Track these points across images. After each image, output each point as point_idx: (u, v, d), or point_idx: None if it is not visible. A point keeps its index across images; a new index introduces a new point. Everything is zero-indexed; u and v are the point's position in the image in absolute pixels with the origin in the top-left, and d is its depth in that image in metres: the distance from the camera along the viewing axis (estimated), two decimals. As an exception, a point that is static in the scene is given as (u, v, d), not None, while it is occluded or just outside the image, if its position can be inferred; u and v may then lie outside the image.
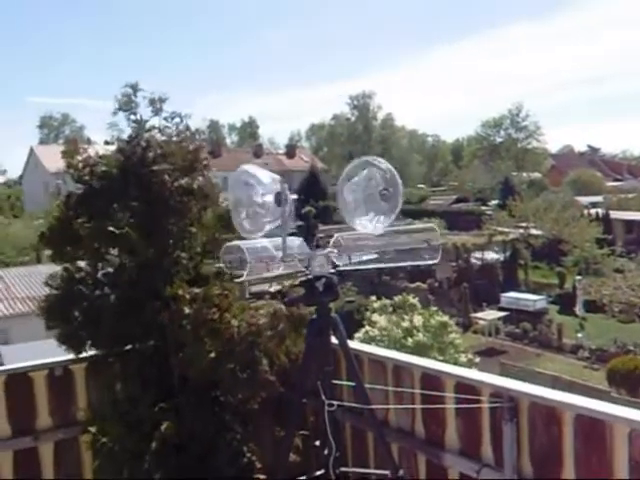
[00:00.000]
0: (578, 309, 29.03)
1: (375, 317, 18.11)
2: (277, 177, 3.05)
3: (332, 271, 3.24)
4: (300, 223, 3.18)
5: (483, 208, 50.74)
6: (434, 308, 19.10)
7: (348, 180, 3.01)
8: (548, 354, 25.31)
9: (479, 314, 28.84)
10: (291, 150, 68.42)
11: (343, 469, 3.52)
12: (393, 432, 4.25)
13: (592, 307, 28.89)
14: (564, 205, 39.43)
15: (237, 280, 3.66)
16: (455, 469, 3.94)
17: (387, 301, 19.04)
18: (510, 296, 30.63)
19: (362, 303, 23.60)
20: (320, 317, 3.30)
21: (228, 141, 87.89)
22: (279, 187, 3.01)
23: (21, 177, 62.03)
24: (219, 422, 4.33)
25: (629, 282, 29.37)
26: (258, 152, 64.24)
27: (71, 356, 4.52)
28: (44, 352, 4.80)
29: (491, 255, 36.54)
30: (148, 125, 4.80)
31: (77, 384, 4.68)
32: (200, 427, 4.19)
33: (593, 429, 3.19)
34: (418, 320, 17.51)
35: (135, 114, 4.81)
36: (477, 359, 19.28)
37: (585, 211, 40.65)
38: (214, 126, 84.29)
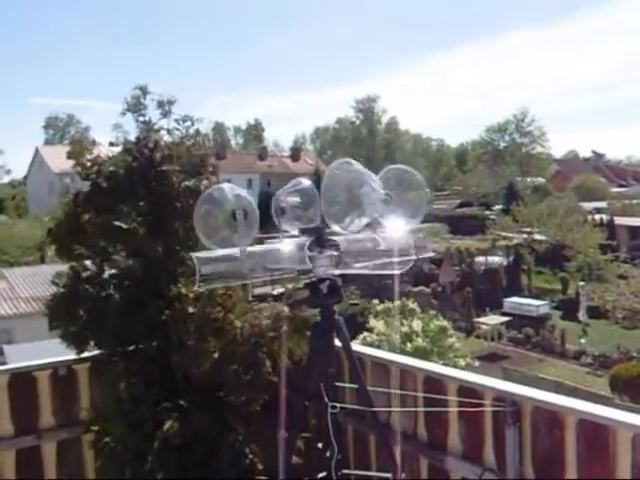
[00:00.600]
0: (581, 315, 28.92)
1: (372, 322, 18.08)
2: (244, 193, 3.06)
3: (336, 273, 3.24)
4: (307, 226, 3.18)
5: (487, 213, 50.78)
6: (433, 312, 19.11)
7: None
8: (551, 360, 25.25)
9: (482, 319, 28.77)
10: (296, 153, 68.30)
11: (345, 472, 3.51)
12: (395, 435, 4.24)
13: (595, 313, 28.81)
14: (568, 210, 39.38)
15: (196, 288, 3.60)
16: (457, 473, 3.94)
17: (390, 304, 19.02)
18: (513, 301, 30.60)
19: (365, 306, 23.62)
20: (324, 319, 3.29)
21: (233, 143, 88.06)
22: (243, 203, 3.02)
23: (25, 177, 62.11)
24: (222, 423, 4.33)
25: (633, 288, 29.31)
26: (262, 155, 64.20)
27: (75, 356, 4.53)
28: (48, 352, 4.81)
29: (495, 260, 36.48)
30: (156, 127, 4.82)
31: (80, 384, 4.70)
32: (203, 427, 4.19)
33: (596, 434, 3.18)
34: (417, 325, 17.50)
35: (144, 116, 4.82)
36: (476, 363, 19.29)
37: (589, 217, 40.59)
38: (219, 128, 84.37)
